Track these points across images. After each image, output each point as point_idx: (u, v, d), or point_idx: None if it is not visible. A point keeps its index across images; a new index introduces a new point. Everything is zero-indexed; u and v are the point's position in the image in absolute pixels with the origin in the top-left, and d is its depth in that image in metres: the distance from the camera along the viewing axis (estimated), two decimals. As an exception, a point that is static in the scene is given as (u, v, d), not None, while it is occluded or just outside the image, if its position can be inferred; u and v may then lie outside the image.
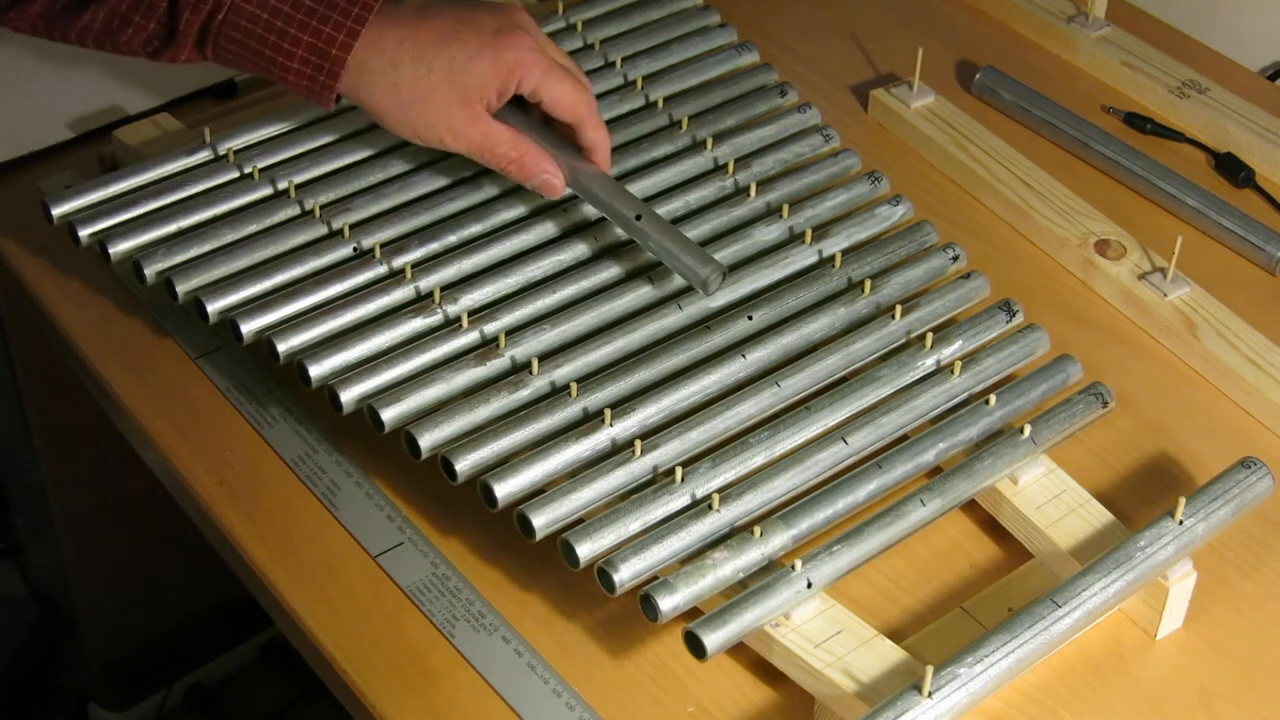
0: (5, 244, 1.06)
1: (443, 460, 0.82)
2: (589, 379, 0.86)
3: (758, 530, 0.79)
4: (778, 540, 0.79)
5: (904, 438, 0.86)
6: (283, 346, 0.87)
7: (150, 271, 0.92)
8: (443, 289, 0.90)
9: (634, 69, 1.08)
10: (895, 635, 0.79)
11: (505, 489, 0.80)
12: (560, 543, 0.78)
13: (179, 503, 0.94)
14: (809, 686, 0.78)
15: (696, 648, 0.75)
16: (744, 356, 0.88)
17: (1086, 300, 1.03)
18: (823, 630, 0.78)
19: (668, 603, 0.76)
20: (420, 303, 0.90)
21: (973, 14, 1.28)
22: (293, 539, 0.88)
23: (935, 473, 0.85)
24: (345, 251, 0.93)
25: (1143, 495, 0.90)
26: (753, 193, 0.99)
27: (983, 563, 0.87)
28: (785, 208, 0.98)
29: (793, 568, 0.78)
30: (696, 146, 1.02)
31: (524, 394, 0.85)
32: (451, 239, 0.94)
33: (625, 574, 0.76)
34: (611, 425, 0.83)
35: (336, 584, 0.85)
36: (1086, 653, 0.82)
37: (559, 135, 0.93)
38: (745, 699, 0.80)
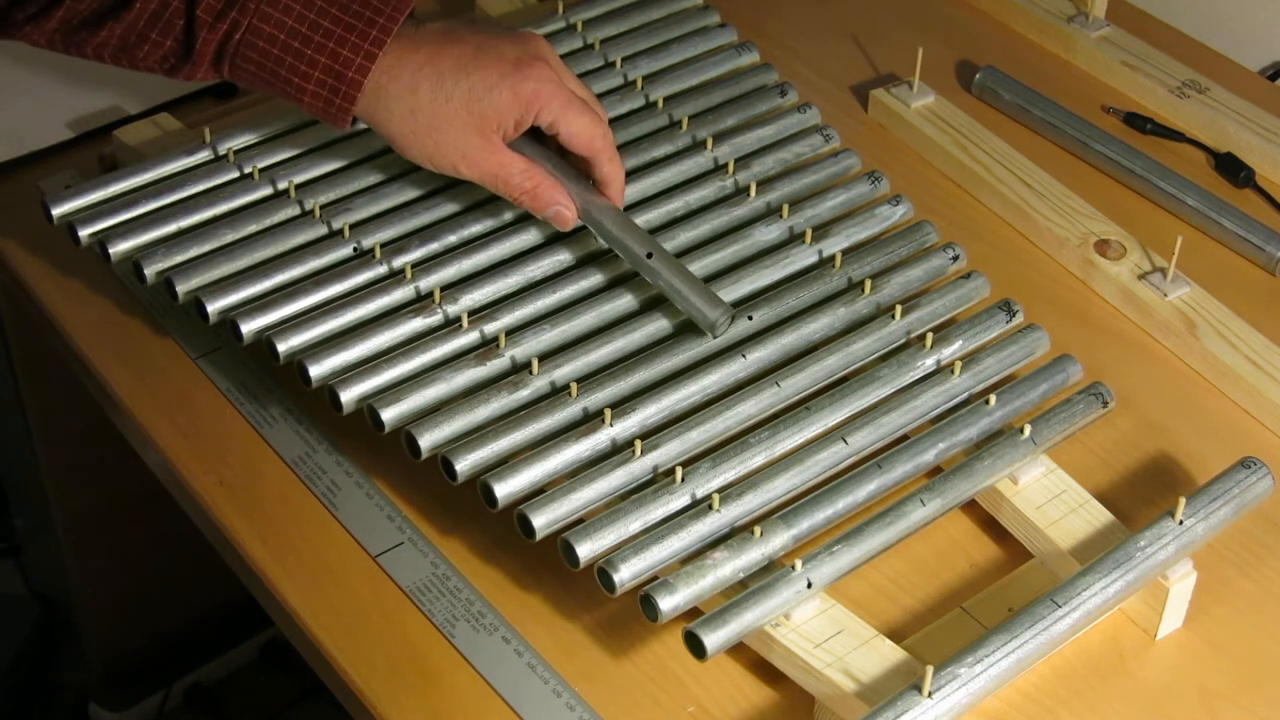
0: (5, 244, 1.06)
1: (443, 460, 0.82)
2: (589, 379, 0.86)
3: (758, 530, 0.79)
4: (778, 540, 0.79)
5: (904, 438, 0.86)
6: (283, 346, 0.87)
7: (150, 271, 0.92)
8: (443, 289, 0.90)
9: (634, 69, 1.08)
10: (895, 635, 0.79)
11: (505, 489, 0.80)
12: (560, 543, 0.78)
13: (179, 503, 0.94)
14: (809, 686, 0.78)
15: (696, 648, 0.75)
16: (744, 356, 0.88)
17: (1086, 300, 1.03)
18: (823, 630, 0.78)
19: (668, 603, 0.76)
20: (420, 303, 0.90)
21: (973, 14, 1.28)
22: (293, 539, 0.88)
23: (935, 473, 0.85)
24: (345, 251, 0.93)
25: (1143, 495, 0.90)
26: (753, 193, 0.99)
27: (983, 563, 0.86)
28: (785, 208, 0.98)
29: (793, 568, 0.78)
30: (696, 146, 1.02)
31: (524, 394, 0.85)
32: (451, 239, 0.94)
33: (625, 574, 0.76)
34: (611, 425, 0.83)
35: (336, 584, 0.85)
36: (1086, 653, 0.82)
37: (573, 167, 0.93)
38: (745, 699, 0.80)
